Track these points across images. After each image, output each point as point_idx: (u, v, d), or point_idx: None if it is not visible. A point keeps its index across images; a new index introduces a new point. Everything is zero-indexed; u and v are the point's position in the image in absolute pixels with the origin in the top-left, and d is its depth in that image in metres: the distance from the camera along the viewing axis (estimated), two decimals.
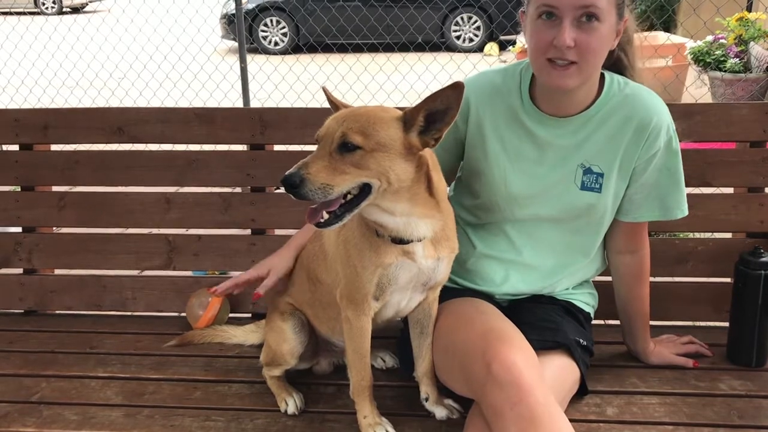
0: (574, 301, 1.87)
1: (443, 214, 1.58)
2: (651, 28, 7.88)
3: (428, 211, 1.54)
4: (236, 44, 5.95)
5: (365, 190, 1.44)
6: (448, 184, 1.90)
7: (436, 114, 1.43)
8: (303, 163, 1.41)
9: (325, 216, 1.44)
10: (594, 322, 1.95)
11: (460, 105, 1.41)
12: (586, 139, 1.72)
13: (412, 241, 1.55)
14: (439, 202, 1.56)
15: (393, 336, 1.98)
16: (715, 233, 2.26)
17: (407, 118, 1.44)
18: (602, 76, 1.73)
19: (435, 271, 1.63)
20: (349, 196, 1.44)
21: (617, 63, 1.78)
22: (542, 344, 1.64)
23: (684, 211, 1.78)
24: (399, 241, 1.55)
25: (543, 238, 1.81)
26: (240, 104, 5.91)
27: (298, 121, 2.24)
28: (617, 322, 1.98)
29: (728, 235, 2.20)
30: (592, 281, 1.97)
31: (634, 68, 1.78)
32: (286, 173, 1.38)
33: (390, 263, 1.56)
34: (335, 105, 1.62)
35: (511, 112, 1.75)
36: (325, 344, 1.90)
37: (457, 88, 1.39)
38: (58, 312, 2.43)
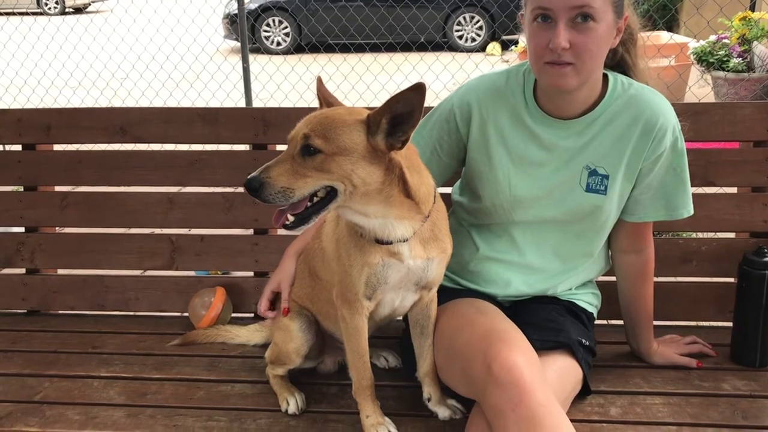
0: (576, 301, 1.87)
1: (427, 215, 1.57)
2: (654, 27, 7.87)
3: (405, 212, 1.53)
4: (238, 44, 5.96)
5: (332, 192, 1.44)
6: (446, 185, 1.89)
7: (401, 116, 1.41)
8: (265, 167, 1.42)
9: (290, 218, 1.45)
10: (597, 322, 1.95)
11: (423, 106, 1.39)
12: (592, 140, 1.71)
13: (392, 242, 1.55)
14: (420, 204, 1.54)
15: (396, 336, 1.97)
16: (718, 233, 2.26)
17: (371, 121, 1.43)
18: (605, 76, 1.72)
19: (425, 272, 1.62)
20: (316, 199, 1.45)
21: (621, 63, 1.77)
22: (544, 344, 1.64)
23: (690, 210, 1.78)
24: (381, 241, 1.55)
25: (547, 240, 1.80)
26: (242, 104, 5.92)
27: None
28: (620, 322, 1.98)
29: (732, 235, 2.20)
30: (596, 281, 1.97)
31: (637, 67, 1.77)
32: (248, 177, 1.40)
33: (376, 263, 1.56)
34: (322, 99, 1.61)
35: (515, 114, 1.74)
36: (330, 341, 1.90)
37: (418, 89, 1.37)
38: (60, 312, 2.43)
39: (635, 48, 1.77)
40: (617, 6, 1.59)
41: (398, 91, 1.41)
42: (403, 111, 1.40)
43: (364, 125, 1.43)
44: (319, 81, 1.64)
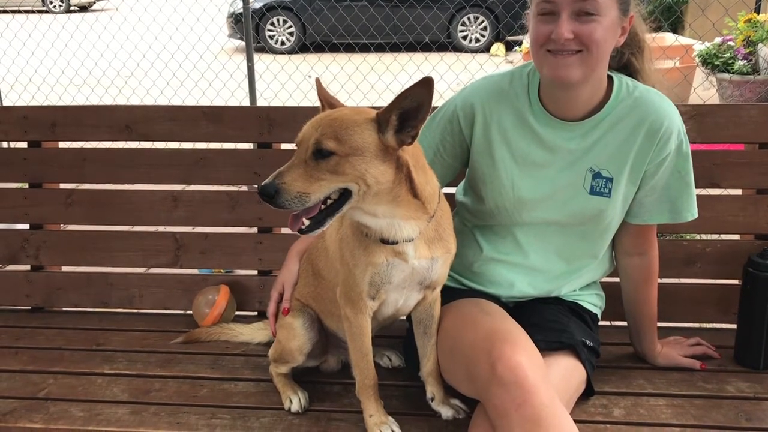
0: (580, 302, 1.87)
1: (432, 215, 1.57)
2: (658, 29, 7.86)
3: (412, 212, 1.53)
4: (243, 43, 5.96)
5: (345, 194, 1.44)
6: (449, 185, 1.89)
7: (409, 112, 1.41)
8: (279, 173, 1.41)
9: (306, 222, 1.44)
10: (601, 323, 1.95)
11: (432, 100, 1.39)
12: (596, 143, 1.70)
13: (398, 241, 1.55)
14: (425, 204, 1.54)
15: (400, 335, 1.97)
16: (723, 235, 2.26)
17: (380, 119, 1.43)
18: (610, 78, 1.72)
19: (429, 271, 1.62)
20: (329, 201, 1.44)
21: (627, 66, 1.76)
22: (548, 345, 1.64)
23: (694, 213, 1.77)
24: (386, 241, 1.55)
25: (550, 242, 1.80)
26: (246, 103, 5.91)
27: (306, 120, 2.19)
28: (624, 323, 1.97)
29: (736, 237, 2.19)
30: (600, 282, 1.96)
31: (644, 71, 1.76)
32: (262, 183, 1.40)
33: (380, 262, 1.57)
34: (324, 101, 1.61)
35: (519, 115, 1.74)
36: (333, 340, 1.90)
37: (425, 84, 1.37)
38: (65, 309, 2.44)
39: (642, 52, 1.76)
40: (622, 4, 1.60)
41: (404, 89, 1.41)
42: (412, 106, 1.40)
43: (374, 123, 1.43)
44: (318, 83, 1.64)
